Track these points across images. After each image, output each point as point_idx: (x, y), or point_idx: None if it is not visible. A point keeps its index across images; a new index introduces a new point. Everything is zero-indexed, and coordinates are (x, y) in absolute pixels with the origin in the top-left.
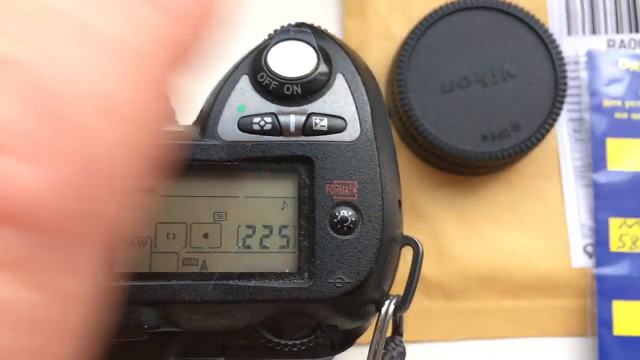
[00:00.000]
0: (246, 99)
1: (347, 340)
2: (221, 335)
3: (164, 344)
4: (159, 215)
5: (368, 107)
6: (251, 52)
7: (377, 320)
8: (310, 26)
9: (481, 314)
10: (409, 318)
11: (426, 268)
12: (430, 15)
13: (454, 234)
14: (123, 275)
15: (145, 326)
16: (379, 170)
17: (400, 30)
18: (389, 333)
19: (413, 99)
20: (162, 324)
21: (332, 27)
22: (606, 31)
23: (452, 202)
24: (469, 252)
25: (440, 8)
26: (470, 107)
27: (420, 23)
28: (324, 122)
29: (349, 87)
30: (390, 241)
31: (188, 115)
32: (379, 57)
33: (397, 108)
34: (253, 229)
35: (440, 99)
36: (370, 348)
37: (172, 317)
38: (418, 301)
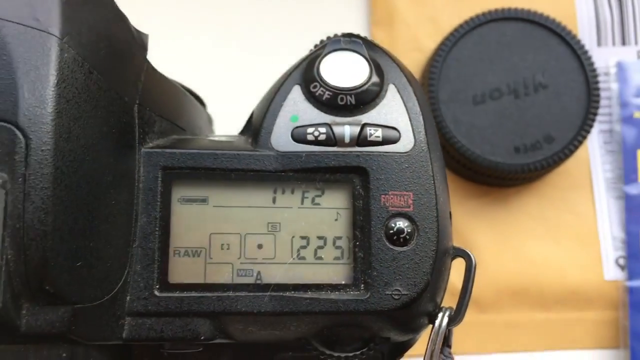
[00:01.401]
0: (299, 109)
1: (397, 352)
2: (272, 346)
3: (213, 355)
4: (212, 225)
5: (421, 118)
6: (301, 62)
7: (431, 332)
8: (361, 37)
9: (512, 326)
10: None
11: (458, 281)
12: (461, 26)
13: (485, 246)
14: (179, 285)
15: (202, 337)
16: (433, 181)
17: (429, 40)
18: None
19: (444, 111)
20: (217, 336)
21: None
22: (636, 42)
23: (483, 213)
24: (500, 264)
25: (471, 19)
26: (502, 119)
27: (451, 34)
28: (378, 133)
29: (402, 97)
30: (444, 253)
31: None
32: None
33: None
34: (307, 240)
35: (471, 110)
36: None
37: (227, 329)
38: None
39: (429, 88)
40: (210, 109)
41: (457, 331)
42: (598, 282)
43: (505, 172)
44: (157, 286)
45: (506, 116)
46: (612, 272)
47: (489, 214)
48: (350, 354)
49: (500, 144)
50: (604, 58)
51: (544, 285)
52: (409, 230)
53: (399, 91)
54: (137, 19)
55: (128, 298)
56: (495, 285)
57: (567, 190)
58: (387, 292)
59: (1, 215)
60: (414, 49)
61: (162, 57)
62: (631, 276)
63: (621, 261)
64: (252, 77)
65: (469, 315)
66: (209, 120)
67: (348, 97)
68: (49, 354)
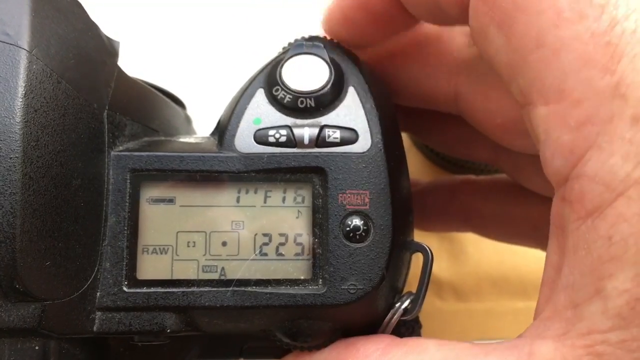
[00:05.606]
0: (262, 112)
1: None
2: (240, 337)
3: (185, 345)
4: (179, 224)
5: (378, 119)
6: (266, 66)
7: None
8: (323, 39)
9: (493, 314)
10: (421, 318)
11: (438, 269)
12: None
13: (466, 236)
14: (146, 282)
15: (168, 330)
16: (388, 180)
17: None
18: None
19: None
20: (183, 329)
21: None
22: None
23: None
24: (481, 254)
25: None
26: None
27: None
28: (336, 134)
29: (360, 100)
30: (401, 248)
31: (203, 124)
32: None
33: None
34: (269, 237)
35: None
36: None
37: (194, 321)
38: (430, 302)
39: None
40: (194, 109)
41: (437, 320)
42: None
43: (483, 165)
44: (126, 282)
45: None
46: None
47: None
48: (313, 345)
49: None
50: None
51: (524, 273)
52: (365, 228)
53: (357, 94)
54: (124, 24)
55: (98, 294)
56: (476, 274)
57: None
58: (343, 287)
59: None
60: None
61: (144, 60)
62: None
63: None
64: (236, 77)
65: (450, 304)
66: (187, 121)
67: (308, 100)
68: (22, 347)
